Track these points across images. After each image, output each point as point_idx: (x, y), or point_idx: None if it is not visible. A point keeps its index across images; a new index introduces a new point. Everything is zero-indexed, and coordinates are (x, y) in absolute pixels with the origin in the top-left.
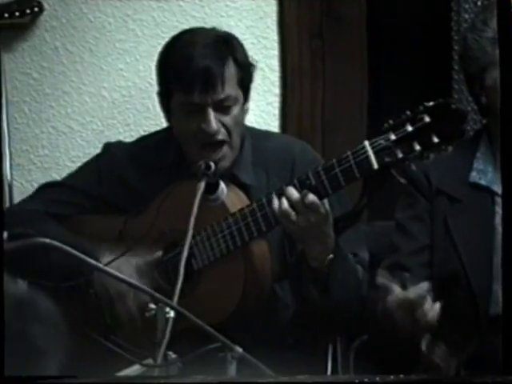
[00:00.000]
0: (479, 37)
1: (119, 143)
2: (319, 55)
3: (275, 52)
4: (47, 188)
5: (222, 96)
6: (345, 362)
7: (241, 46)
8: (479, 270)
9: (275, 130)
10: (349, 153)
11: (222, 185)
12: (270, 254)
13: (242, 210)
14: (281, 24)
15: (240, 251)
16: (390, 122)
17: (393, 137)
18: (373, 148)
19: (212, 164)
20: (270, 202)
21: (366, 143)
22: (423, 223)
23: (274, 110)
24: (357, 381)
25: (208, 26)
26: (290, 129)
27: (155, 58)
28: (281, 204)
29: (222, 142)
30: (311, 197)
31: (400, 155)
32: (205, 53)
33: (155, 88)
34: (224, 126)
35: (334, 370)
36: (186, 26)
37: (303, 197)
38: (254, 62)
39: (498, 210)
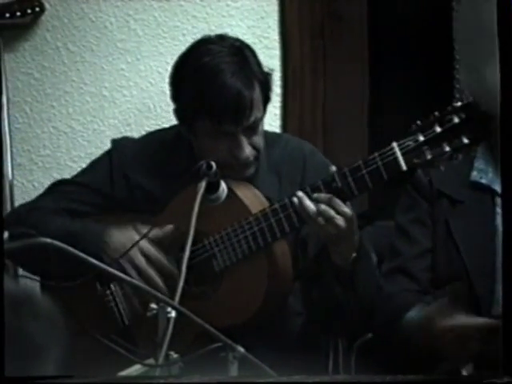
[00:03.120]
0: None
1: (129, 140)
2: (320, 55)
3: (276, 52)
4: (61, 186)
5: (251, 121)
6: (346, 362)
7: (255, 56)
8: (482, 271)
9: (276, 129)
10: (376, 154)
11: (223, 184)
12: (290, 255)
13: (263, 210)
14: (282, 24)
15: (263, 251)
16: (418, 122)
17: (421, 138)
18: (401, 149)
19: (213, 164)
20: (293, 203)
21: (394, 144)
22: (424, 226)
23: (275, 110)
24: (357, 381)
25: (210, 26)
26: (291, 128)
27: (157, 58)
28: (308, 210)
29: (251, 162)
30: (337, 202)
31: (429, 156)
32: (234, 82)
33: (156, 88)
34: (253, 146)
35: (336, 370)
36: (187, 26)
37: (329, 201)
38: (270, 71)
39: (499, 210)
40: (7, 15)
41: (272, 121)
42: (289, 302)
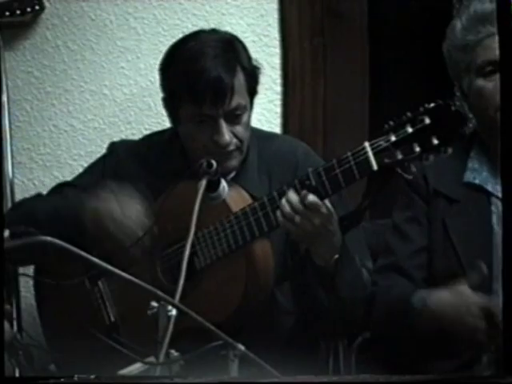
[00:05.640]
0: (448, 45)
1: (124, 142)
2: (320, 53)
3: (276, 50)
4: (57, 188)
5: (232, 106)
6: (347, 361)
7: (245, 49)
8: None
9: (277, 127)
10: (349, 153)
11: (224, 183)
12: (274, 255)
13: (243, 208)
14: (282, 22)
15: (242, 251)
16: (391, 123)
17: (393, 138)
18: (373, 149)
19: (214, 162)
20: (271, 201)
21: (366, 144)
22: (419, 225)
23: (275, 108)
24: (361, 381)
25: (209, 24)
26: (291, 126)
27: (156, 56)
28: (283, 208)
29: (232, 152)
30: (311, 198)
31: (400, 156)
32: (215, 65)
33: (157, 86)
34: (235, 135)
35: (336, 369)
36: (187, 24)
37: (303, 198)
38: (259, 65)
39: (494, 209)
40: (7, 14)
41: (273, 119)
42: (279, 301)
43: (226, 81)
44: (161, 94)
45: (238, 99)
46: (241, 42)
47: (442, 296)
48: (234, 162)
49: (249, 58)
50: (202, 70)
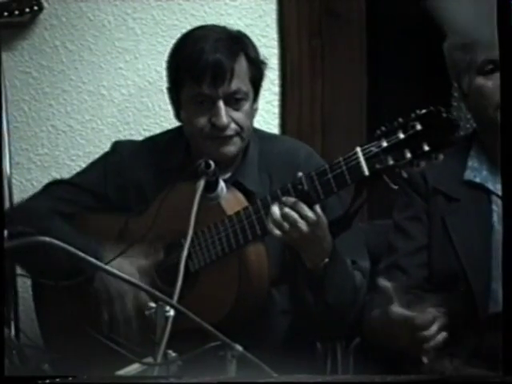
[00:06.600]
0: (448, 44)
1: (128, 142)
2: (318, 54)
3: (275, 50)
4: (55, 186)
5: (232, 89)
6: (345, 361)
7: (252, 43)
8: (478, 268)
9: (275, 128)
10: (341, 158)
11: (222, 183)
12: (268, 258)
13: (238, 212)
14: (280, 22)
15: (236, 254)
16: (383, 128)
17: (384, 144)
18: (364, 154)
19: (212, 163)
20: (265, 204)
21: (358, 149)
22: (420, 223)
23: (273, 109)
24: (357, 381)
25: (208, 24)
26: (289, 127)
27: (155, 56)
28: (271, 214)
29: (231, 137)
30: (301, 206)
31: (391, 162)
32: (216, 46)
33: (155, 86)
34: (234, 121)
35: (334, 369)
36: (185, 25)
37: (293, 206)
38: (265, 60)
39: (495, 208)
40: (5, 14)
41: (271, 119)
42: (277, 300)
43: (224, 62)
44: (159, 95)
45: (239, 83)
46: (248, 37)
47: (375, 315)
48: (233, 149)
49: (255, 50)
50: (202, 50)
